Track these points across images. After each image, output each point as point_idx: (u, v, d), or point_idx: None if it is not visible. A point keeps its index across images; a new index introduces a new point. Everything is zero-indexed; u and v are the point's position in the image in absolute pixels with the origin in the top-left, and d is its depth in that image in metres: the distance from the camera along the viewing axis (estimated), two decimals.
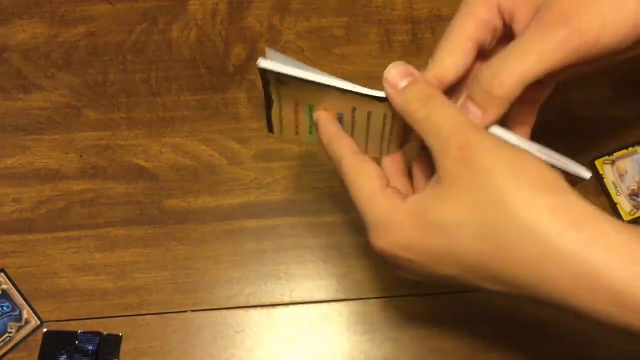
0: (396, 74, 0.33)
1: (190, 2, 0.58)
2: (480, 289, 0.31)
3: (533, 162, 0.30)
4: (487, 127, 0.33)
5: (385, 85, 0.34)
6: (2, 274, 0.50)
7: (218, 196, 0.52)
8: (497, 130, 0.33)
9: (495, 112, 0.32)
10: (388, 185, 0.34)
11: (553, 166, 0.31)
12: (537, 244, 0.28)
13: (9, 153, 0.53)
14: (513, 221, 0.28)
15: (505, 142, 0.31)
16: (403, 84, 0.33)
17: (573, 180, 0.33)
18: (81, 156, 0.53)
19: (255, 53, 0.56)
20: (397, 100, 0.33)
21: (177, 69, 0.56)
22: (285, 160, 0.54)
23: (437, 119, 0.31)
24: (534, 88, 0.33)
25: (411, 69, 0.34)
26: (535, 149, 0.33)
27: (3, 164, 0.53)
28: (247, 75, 0.56)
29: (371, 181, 0.33)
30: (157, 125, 0.54)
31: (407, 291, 0.49)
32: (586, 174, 0.33)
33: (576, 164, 0.33)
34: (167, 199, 0.52)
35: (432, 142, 0.31)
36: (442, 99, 0.32)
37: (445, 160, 0.30)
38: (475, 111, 0.32)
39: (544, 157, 0.32)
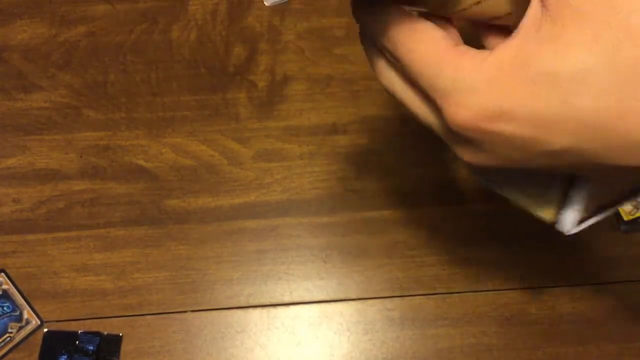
0: None
1: (190, 2, 0.58)
2: (590, 166, 0.24)
3: None
4: None
5: None
6: (2, 274, 0.50)
7: (218, 196, 0.52)
8: None
9: None
10: (458, 44, 0.26)
11: None
12: None
13: (9, 153, 0.53)
14: None
15: None
16: None
17: None
18: (81, 156, 0.53)
19: (255, 53, 0.56)
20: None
21: (177, 69, 0.56)
22: (285, 160, 0.54)
23: None
24: None
25: None
26: None
27: (3, 164, 0.53)
28: (247, 75, 0.56)
29: (437, 42, 0.25)
30: (157, 125, 0.54)
31: (407, 291, 0.49)
32: None
33: None
34: (167, 199, 0.52)
35: None
36: None
37: None
38: None
39: None
